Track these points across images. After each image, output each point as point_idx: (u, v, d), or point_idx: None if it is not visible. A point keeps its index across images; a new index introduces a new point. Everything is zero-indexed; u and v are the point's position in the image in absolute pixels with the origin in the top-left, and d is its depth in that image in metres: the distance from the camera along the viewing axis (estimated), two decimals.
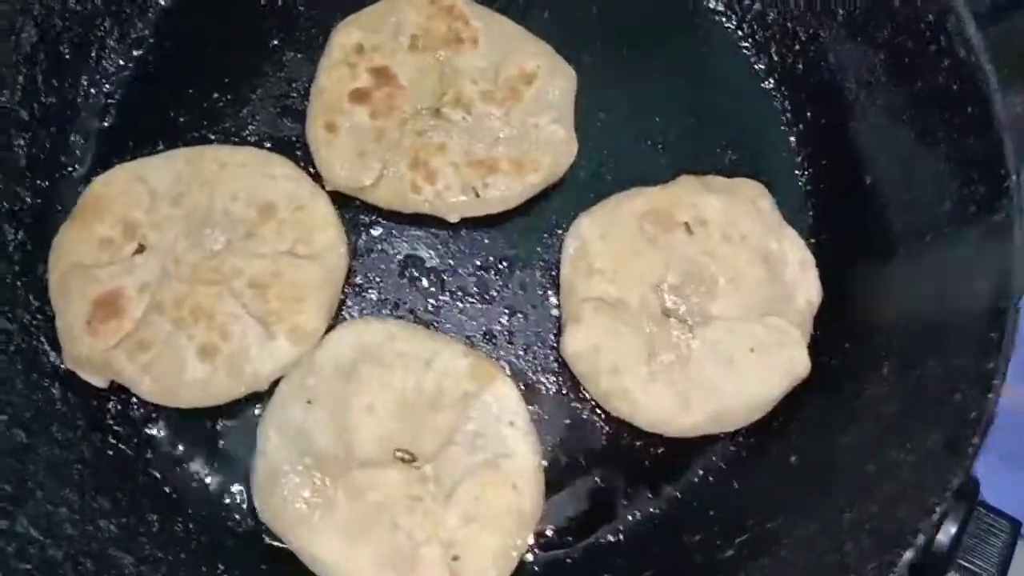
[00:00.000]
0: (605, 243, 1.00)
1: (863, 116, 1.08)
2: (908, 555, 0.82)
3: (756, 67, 1.15)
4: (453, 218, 1.01)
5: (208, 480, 0.95)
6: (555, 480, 0.97)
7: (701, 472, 1.00)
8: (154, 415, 0.96)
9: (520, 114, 1.04)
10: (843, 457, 0.94)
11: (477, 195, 1.00)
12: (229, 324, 0.93)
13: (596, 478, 0.99)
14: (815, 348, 1.00)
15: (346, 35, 1.04)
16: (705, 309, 0.99)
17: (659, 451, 1.00)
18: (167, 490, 0.94)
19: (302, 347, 0.94)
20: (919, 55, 1.01)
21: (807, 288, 1.01)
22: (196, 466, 0.95)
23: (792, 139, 1.13)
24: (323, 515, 0.90)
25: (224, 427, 0.97)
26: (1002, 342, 0.88)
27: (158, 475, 0.94)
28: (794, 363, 0.98)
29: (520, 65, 1.05)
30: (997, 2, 1.10)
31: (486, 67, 1.05)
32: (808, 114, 1.13)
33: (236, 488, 0.95)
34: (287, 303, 0.94)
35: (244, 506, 0.95)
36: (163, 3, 1.10)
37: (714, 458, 1.00)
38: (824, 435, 0.97)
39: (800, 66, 1.13)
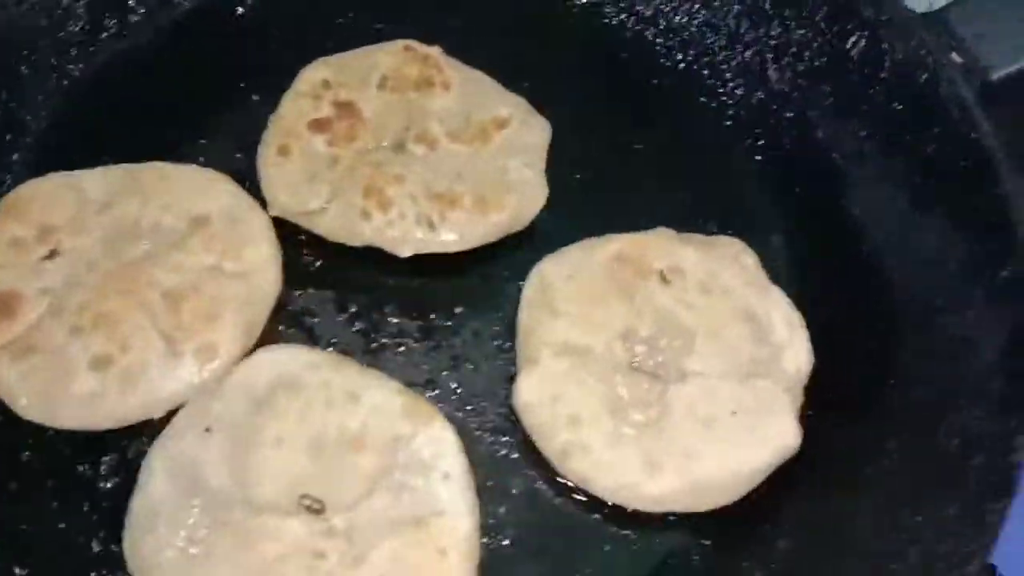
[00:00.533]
0: (571, 284, 0.89)
1: (856, 187, 1.02)
2: None
3: (743, 143, 1.10)
4: (405, 252, 0.92)
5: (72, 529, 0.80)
6: (495, 563, 0.80)
7: (671, 561, 0.82)
8: (28, 439, 0.82)
9: (489, 155, 0.98)
10: (844, 539, 0.78)
11: (432, 228, 0.92)
12: (132, 336, 0.82)
13: (546, 563, 0.82)
14: (808, 422, 0.86)
15: (314, 71, 1.01)
16: (681, 364, 0.86)
17: (623, 533, 0.83)
18: (22, 529, 0.78)
19: (209, 369, 0.82)
20: (911, 122, 0.97)
21: (796, 351, 0.89)
22: (61, 506, 0.80)
23: (782, 211, 1.05)
24: (201, 567, 0.74)
25: (108, 465, 0.82)
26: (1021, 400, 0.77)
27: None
28: (782, 433, 0.84)
29: (494, 112, 1.01)
30: (986, 83, 1.05)
31: (456, 111, 1.00)
32: (797, 188, 1.06)
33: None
34: (201, 319, 0.83)
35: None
36: (137, 39, 1.08)
37: (688, 542, 0.83)
38: (820, 515, 0.82)
39: (787, 143, 1.08)
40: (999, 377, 0.79)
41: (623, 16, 1.18)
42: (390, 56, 1.03)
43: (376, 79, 1.01)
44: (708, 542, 0.83)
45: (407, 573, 0.75)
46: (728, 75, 1.13)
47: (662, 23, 1.16)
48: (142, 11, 1.09)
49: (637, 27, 1.17)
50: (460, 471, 0.80)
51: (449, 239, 0.93)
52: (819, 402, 0.89)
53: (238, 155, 1.00)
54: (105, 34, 1.07)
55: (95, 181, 0.92)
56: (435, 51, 1.05)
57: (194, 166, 0.95)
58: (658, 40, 1.16)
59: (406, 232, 0.92)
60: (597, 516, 0.83)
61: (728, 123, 1.11)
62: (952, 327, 0.86)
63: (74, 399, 0.80)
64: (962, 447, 0.77)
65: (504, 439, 0.87)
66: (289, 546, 0.75)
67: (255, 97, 1.05)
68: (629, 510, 0.82)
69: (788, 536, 0.81)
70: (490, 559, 0.80)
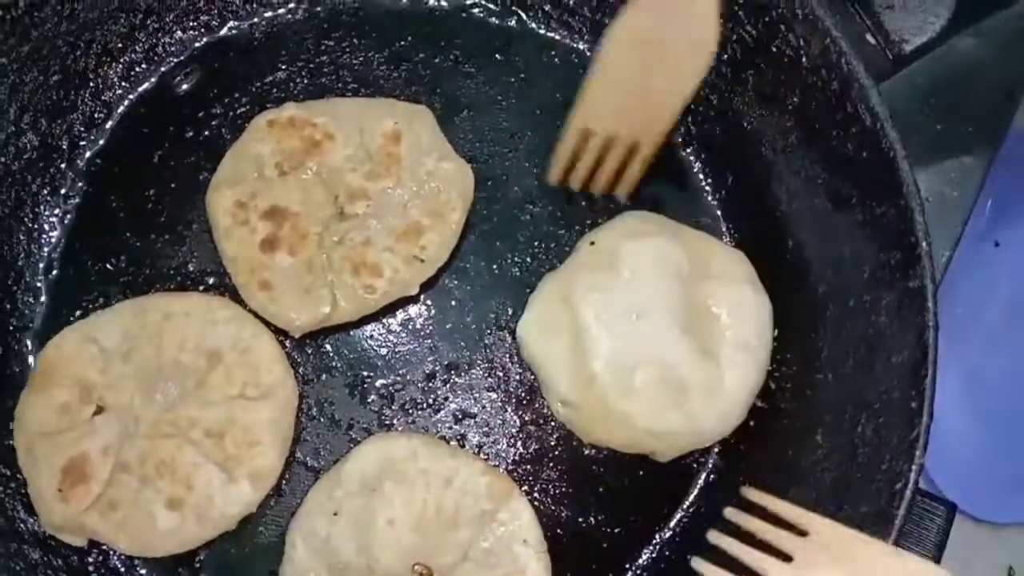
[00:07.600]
0: None
1: (781, 180, 1.10)
2: None
3: (677, 131, 1.17)
4: (414, 291, 1.06)
5: None
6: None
7: (656, 553, 1.06)
8: (135, 561, 1.02)
9: (409, 171, 1.07)
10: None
11: (421, 260, 1.05)
12: (192, 474, 0.98)
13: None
14: (764, 411, 1.06)
15: (220, 198, 1.05)
16: None
17: (615, 531, 1.06)
18: None
19: (264, 487, 0.99)
20: (828, 122, 1.02)
21: None
22: None
23: (715, 203, 1.16)
24: None
25: (202, 561, 1.02)
26: (922, 411, 0.92)
27: None
28: None
29: (381, 132, 1.08)
30: (899, 55, 1.11)
31: (354, 152, 1.08)
32: (729, 179, 1.16)
33: None
34: (244, 448, 0.99)
35: None
36: (89, 150, 1.12)
37: (670, 527, 1.06)
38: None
39: (717, 132, 1.16)
40: (904, 389, 0.93)
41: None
42: (263, 142, 1.07)
43: (273, 171, 1.06)
44: (690, 517, 1.06)
45: None
46: None
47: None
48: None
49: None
50: (536, 537, 0.99)
51: (436, 257, 1.06)
52: (764, 391, 1.07)
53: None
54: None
55: (106, 329, 1.02)
56: (291, 109, 1.09)
57: (190, 295, 1.05)
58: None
59: (405, 276, 1.05)
60: (596, 520, 1.05)
61: None
62: (866, 328, 0.99)
63: (162, 535, 0.97)
64: (876, 449, 0.94)
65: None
66: None
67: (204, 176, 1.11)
68: None
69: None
70: None
